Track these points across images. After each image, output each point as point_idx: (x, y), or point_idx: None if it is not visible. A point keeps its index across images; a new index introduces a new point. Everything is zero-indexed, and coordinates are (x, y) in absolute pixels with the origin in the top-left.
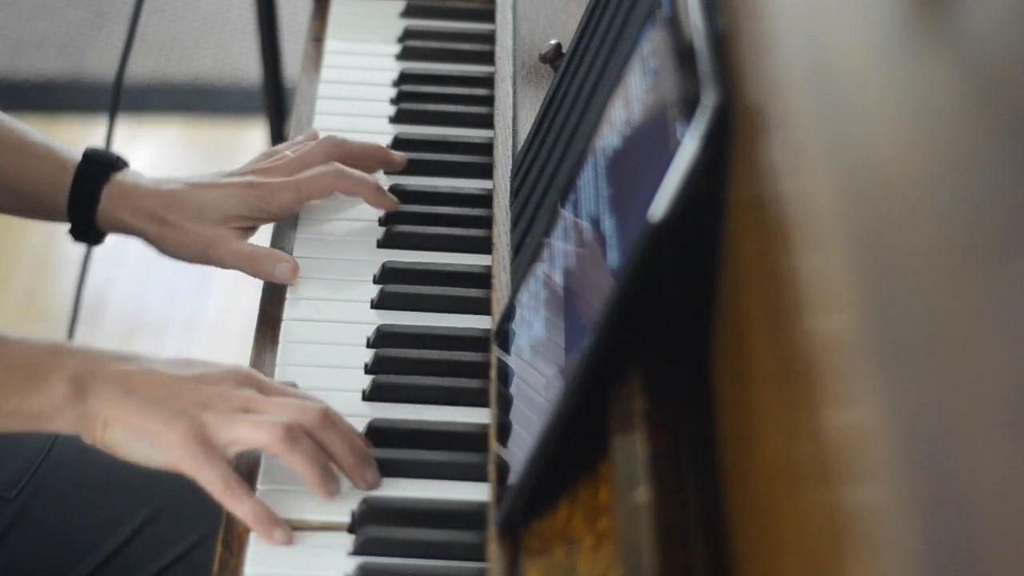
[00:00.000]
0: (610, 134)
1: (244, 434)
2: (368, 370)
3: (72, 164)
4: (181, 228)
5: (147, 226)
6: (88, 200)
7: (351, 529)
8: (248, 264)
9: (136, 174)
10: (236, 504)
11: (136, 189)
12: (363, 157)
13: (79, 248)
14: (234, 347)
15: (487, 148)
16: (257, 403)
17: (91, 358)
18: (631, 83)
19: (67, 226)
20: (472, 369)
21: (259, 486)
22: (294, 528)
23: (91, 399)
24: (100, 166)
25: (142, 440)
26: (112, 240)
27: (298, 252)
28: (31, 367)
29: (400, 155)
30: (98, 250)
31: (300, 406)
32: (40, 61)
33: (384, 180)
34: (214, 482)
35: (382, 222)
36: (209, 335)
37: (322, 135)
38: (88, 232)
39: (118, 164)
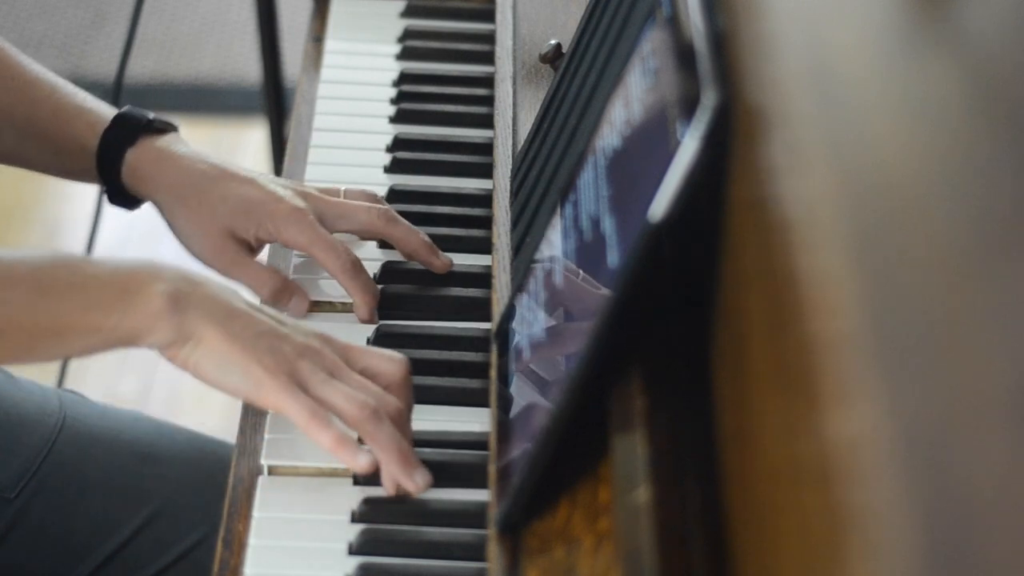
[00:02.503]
0: (610, 134)
1: (335, 399)
2: None
3: (102, 125)
4: (194, 215)
5: (164, 201)
6: (112, 164)
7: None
8: (260, 289)
9: (174, 142)
10: (321, 432)
11: (164, 158)
12: (405, 246)
13: (81, 242)
14: None
15: (487, 148)
16: (343, 371)
17: (189, 278)
18: (631, 83)
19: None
20: (472, 369)
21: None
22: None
23: (189, 315)
24: (127, 128)
25: (233, 368)
26: (114, 235)
27: (298, 252)
28: (127, 283)
29: (444, 262)
30: (100, 244)
31: (380, 396)
32: (40, 61)
33: (384, 179)
34: (300, 411)
35: None
36: None
37: (315, 174)
38: (122, 196)
39: (153, 126)
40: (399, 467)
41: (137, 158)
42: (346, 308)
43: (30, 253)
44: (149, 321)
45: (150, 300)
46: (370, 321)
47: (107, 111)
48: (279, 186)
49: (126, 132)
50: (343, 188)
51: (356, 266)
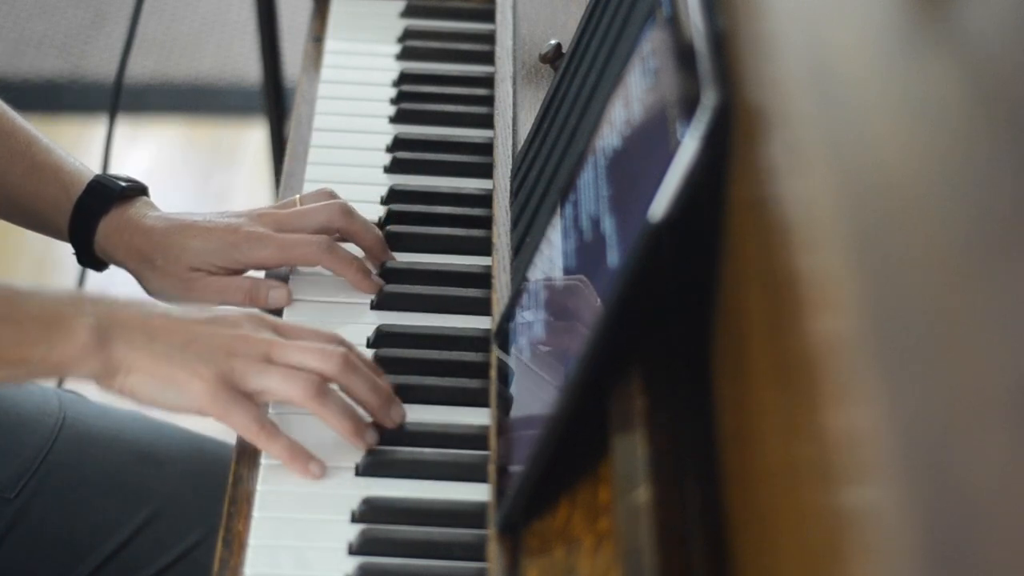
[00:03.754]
0: (610, 134)
1: (275, 386)
2: None
3: (77, 190)
4: (163, 271)
5: (133, 266)
6: (85, 231)
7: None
8: (239, 298)
9: (142, 207)
10: (271, 443)
11: (131, 226)
12: (360, 240)
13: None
14: None
15: (487, 148)
16: (279, 348)
17: (111, 306)
18: (631, 83)
19: (71, 248)
20: (472, 369)
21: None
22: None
23: (114, 346)
24: (101, 198)
25: (167, 387)
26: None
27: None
28: (53, 316)
29: (389, 256)
30: None
31: (322, 352)
32: (40, 61)
33: (384, 179)
34: (247, 424)
35: (382, 222)
36: None
37: (315, 174)
38: (91, 259)
39: (126, 193)
40: (354, 436)
41: (108, 227)
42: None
43: None
44: (75, 355)
45: (75, 334)
46: (372, 290)
47: (82, 173)
48: (235, 216)
49: (100, 201)
50: (298, 196)
51: (331, 246)
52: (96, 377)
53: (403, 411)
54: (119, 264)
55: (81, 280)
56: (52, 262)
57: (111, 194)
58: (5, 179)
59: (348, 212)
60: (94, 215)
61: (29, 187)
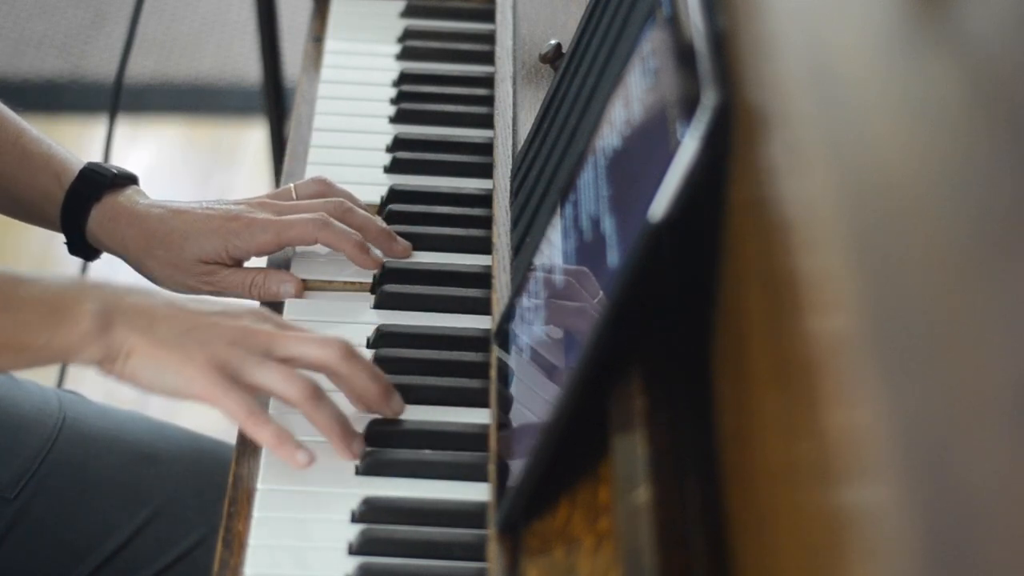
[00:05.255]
0: (610, 134)
1: (272, 383)
2: None
3: (68, 179)
4: (164, 262)
5: (130, 256)
6: (77, 219)
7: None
8: (249, 291)
9: (134, 195)
10: (259, 429)
11: (125, 214)
12: (364, 233)
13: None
14: None
15: (487, 148)
16: (279, 340)
17: (113, 292)
18: (631, 83)
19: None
20: (472, 369)
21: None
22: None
23: (116, 331)
24: (93, 185)
25: (165, 371)
26: (97, 264)
27: (296, 252)
28: (55, 302)
29: (404, 245)
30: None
31: (323, 341)
32: (40, 61)
33: (384, 179)
34: (237, 409)
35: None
36: None
37: (315, 174)
38: (83, 248)
39: (117, 181)
40: (340, 443)
41: (102, 214)
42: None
43: None
44: (78, 341)
45: (78, 320)
46: (373, 266)
47: (72, 161)
48: (232, 206)
49: (92, 188)
50: (292, 185)
51: (327, 222)
52: (98, 362)
53: (403, 403)
54: (113, 252)
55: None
56: (52, 260)
57: (103, 181)
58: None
59: (348, 208)
60: (86, 202)
61: (20, 177)
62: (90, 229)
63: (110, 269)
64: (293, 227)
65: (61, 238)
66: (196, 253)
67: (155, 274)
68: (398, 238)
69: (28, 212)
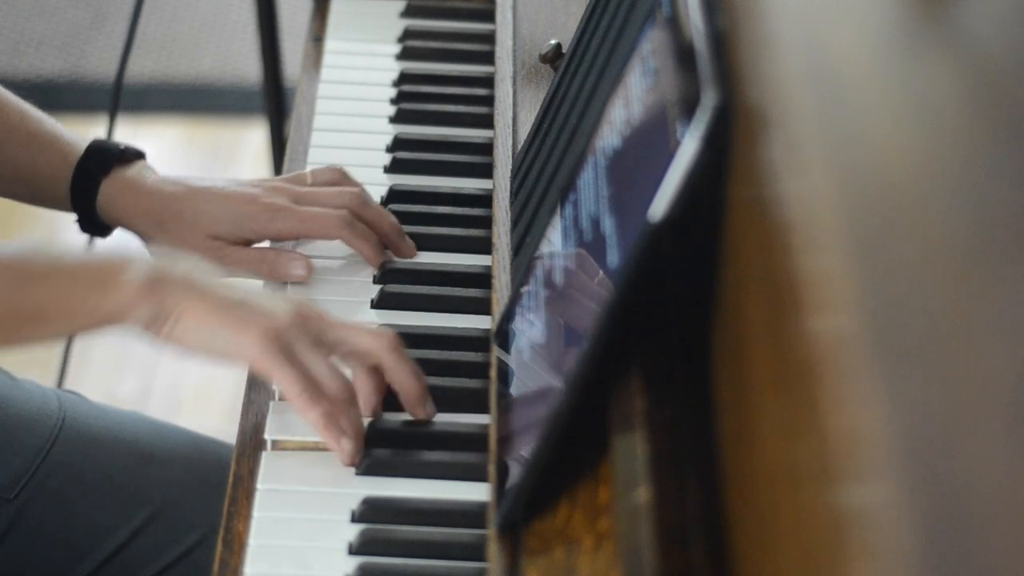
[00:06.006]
0: (610, 134)
1: (319, 370)
2: None
3: (75, 156)
4: (176, 236)
5: (142, 228)
6: (87, 194)
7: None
8: (260, 269)
9: (143, 169)
10: (311, 407)
11: (136, 187)
12: (377, 228)
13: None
14: None
15: (487, 148)
16: (330, 326)
17: (164, 263)
18: (631, 83)
19: (73, 217)
20: (472, 369)
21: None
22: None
23: (167, 294)
24: (101, 160)
25: (218, 334)
26: (111, 241)
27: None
28: (104, 267)
29: (410, 245)
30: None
31: (372, 333)
32: (40, 61)
33: (384, 179)
34: (292, 383)
35: None
36: None
37: (324, 162)
38: (94, 225)
39: (125, 156)
40: (352, 457)
41: (111, 188)
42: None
43: (7, 244)
44: (128, 301)
45: (127, 281)
46: (379, 267)
47: (77, 140)
48: (249, 186)
49: (100, 163)
50: (308, 171)
51: (351, 222)
52: (146, 323)
53: (435, 409)
54: (124, 226)
55: None
56: None
57: (111, 155)
58: (4, 154)
59: (365, 200)
60: (95, 177)
61: (27, 157)
62: (100, 204)
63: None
64: (316, 220)
65: (66, 226)
66: (208, 230)
67: (162, 248)
68: (407, 237)
69: (37, 193)
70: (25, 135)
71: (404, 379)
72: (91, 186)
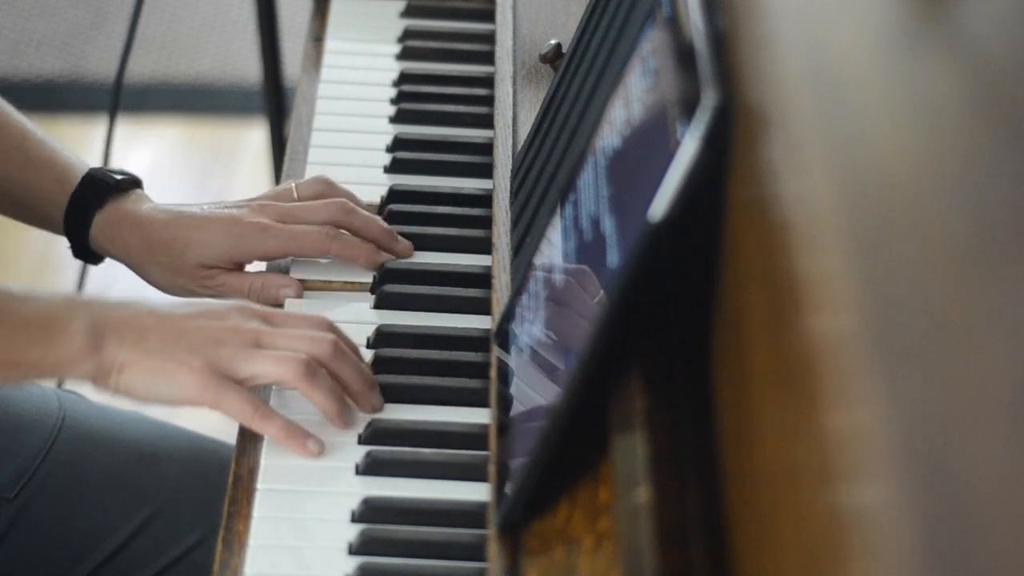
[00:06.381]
0: (610, 134)
1: (264, 369)
2: None
3: (71, 184)
4: (163, 268)
5: (132, 261)
6: (80, 225)
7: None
8: (248, 295)
9: (137, 199)
10: (266, 424)
11: (127, 221)
12: (366, 235)
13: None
14: None
15: (487, 148)
16: (268, 336)
17: (104, 307)
18: (631, 83)
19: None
20: (472, 369)
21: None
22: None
23: (107, 347)
24: (96, 192)
25: (159, 381)
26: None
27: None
28: (48, 320)
29: (406, 245)
30: None
31: (311, 338)
32: (40, 61)
33: (384, 179)
34: (240, 407)
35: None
36: None
37: (315, 174)
38: (86, 252)
39: (121, 186)
40: (337, 417)
41: (105, 220)
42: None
43: None
44: (70, 358)
45: (70, 338)
46: (377, 268)
47: (75, 166)
48: (235, 208)
49: (95, 194)
50: (292, 184)
51: (338, 234)
52: (91, 378)
53: (382, 399)
54: (114, 258)
55: (82, 279)
56: (52, 262)
57: (106, 188)
58: (3, 175)
59: (350, 209)
60: (89, 209)
61: (24, 181)
62: (93, 236)
63: (108, 271)
64: (304, 238)
65: (62, 241)
66: (198, 258)
67: (155, 279)
68: (399, 238)
69: (33, 216)
70: (24, 158)
71: (347, 380)
72: (85, 218)
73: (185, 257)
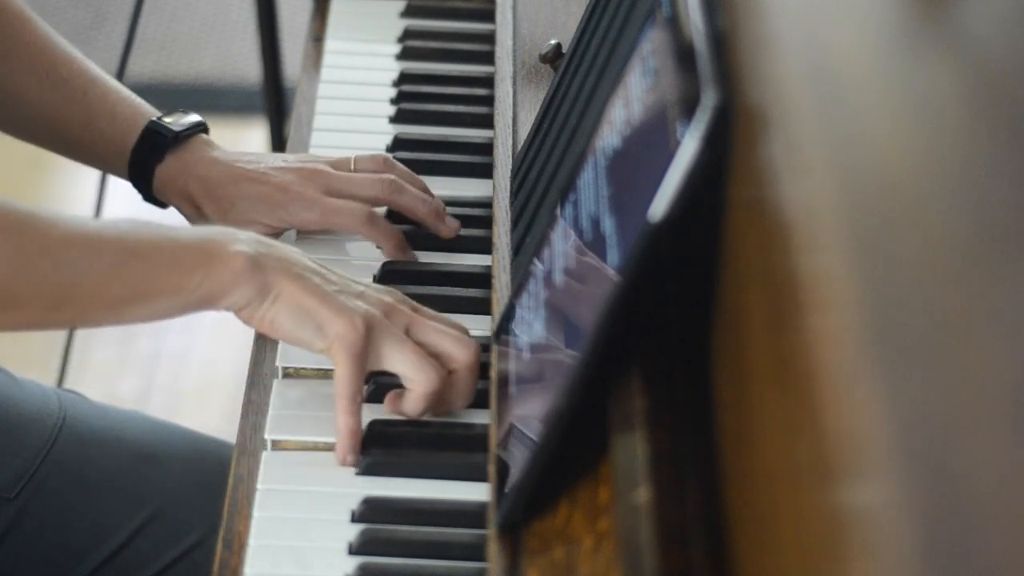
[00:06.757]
0: (610, 134)
1: (404, 365)
2: None
3: (132, 136)
4: (209, 218)
5: (186, 211)
6: (143, 179)
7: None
8: None
9: (199, 147)
10: (346, 415)
11: (185, 171)
12: (413, 214)
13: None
14: (237, 340)
15: (487, 148)
16: (419, 324)
17: (264, 239)
18: (631, 83)
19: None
20: None
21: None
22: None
23: (268, 272)
24: (155, 148)
25: (308, 322)
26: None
27: (298, 235)
28: (210, 244)
29: (451, 226)
30: None
31: (458, 339)
32: None
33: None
34: (347, 383)
35: None
36: (211, 329)
37: (375, 152)
38: (153, 200)
39: (181, 137)
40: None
41: (164, 174)
42: None
43: (112, 220)
44: (231, 280)
45: (231, 260)
46: (405, 258)
47: (135, 118)
48: (288, 172)
49: (154, 151)
50: (353, 156)
51: (372, 217)
52: (243, 304)
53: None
54: (173, 204)
55: None
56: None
57: (164, 142)
58: (64, 128)
59: (399, 188)
60: (149, 163)
61: (87, 135)
62: (156, 187)
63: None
64: (340, 214)
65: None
66: (241, 217)
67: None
68: (447, 218)
69: (102, 164)
70: (86, 111)
71: (465, 393)
72: (146, 171)
73: (229, 214)
